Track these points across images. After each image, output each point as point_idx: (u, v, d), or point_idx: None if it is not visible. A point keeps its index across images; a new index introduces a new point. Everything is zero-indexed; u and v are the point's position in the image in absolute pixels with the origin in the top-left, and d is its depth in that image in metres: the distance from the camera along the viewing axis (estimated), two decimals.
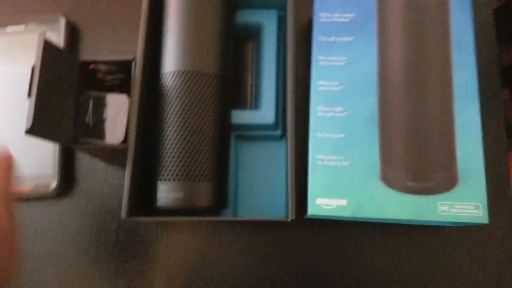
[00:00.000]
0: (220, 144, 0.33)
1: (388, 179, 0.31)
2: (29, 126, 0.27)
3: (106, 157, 0.38)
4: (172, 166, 0.31)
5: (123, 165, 0.31)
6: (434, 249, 0.36)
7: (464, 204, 0.30)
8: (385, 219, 0.31)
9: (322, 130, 0.32)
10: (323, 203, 0.31)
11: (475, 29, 0.34)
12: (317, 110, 0.33)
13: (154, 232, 0.37)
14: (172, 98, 0.32)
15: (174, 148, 0.31)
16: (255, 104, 0.38)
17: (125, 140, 0.32)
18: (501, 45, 0.40)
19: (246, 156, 0.38)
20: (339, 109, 0.33)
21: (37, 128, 0.28)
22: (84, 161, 0.39)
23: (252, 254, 0.36)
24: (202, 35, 0.33)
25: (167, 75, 0.33)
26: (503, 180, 0.37)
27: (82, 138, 0.33)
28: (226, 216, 0.35)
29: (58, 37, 0.40)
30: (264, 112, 0.35)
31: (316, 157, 0.32)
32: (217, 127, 0.33)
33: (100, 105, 0.34)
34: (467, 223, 0.30)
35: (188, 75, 0.32)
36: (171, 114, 0.32)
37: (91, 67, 0.33)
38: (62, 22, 0.41)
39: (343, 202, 0.31)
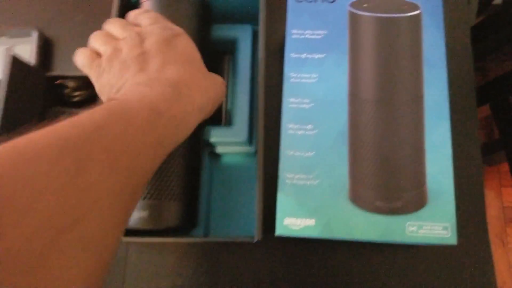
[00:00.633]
0: (190, 162, 0.32)
1: (357, 198, 0.30)
2: None
3: None
4: None
5: None
6: (406, 267, 0.35)
7: (432, 224, 0.29)
8: (354, 239, 0.30)
9: (292, 148, 0.32)
10: (291, 223, 0.30)
11: (450, 46, 0.33)
12: (288, 127, 0.33)
13: (123, 251, 0.36)
14: None
15: None
16: (229, 120, 0.38)
17: None
18: (485, 59, 0.40)
19: (220, 173, 0.38)
20: (309, 126, 0.32)
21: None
22: None
23: (223, 273, 0.35)
24: None
25: None
26: (477, 198, 0.36)
27: None
28: (197, 235, 0.35)
29: (30, 51, 0.40)
30: (237, 129, 0.35)
31: (286, 176, 0.31)
32: (187, 144, 0.32)
33: None
34: (436, 243, 0.29)
35: None
36: None
37: (57, 82, 0.33)
38: (35, 35, 0.40)
39: (311, 222, 0.30)
